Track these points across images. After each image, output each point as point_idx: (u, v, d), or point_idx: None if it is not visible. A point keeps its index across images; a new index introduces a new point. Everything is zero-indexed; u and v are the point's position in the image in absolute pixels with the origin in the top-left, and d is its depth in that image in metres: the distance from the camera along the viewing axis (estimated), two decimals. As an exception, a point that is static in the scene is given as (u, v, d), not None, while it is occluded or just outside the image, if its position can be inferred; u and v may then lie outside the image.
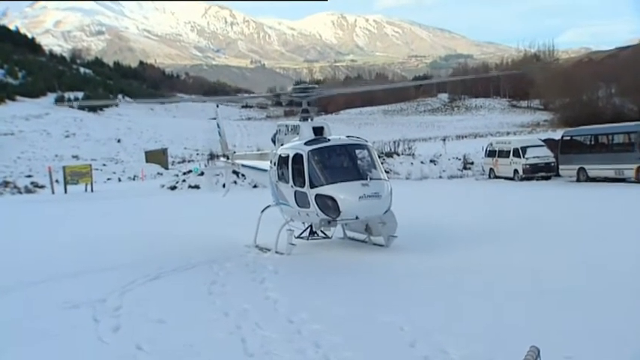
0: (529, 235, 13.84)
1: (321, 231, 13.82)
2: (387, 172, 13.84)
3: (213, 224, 18.42)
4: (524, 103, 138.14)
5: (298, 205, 12.54)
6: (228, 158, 19.05)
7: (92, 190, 35.30)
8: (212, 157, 24.65)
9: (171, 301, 9.23)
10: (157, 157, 66.47)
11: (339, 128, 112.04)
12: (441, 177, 34.67)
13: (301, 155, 12.46)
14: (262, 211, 14.31)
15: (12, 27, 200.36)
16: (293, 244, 13.04)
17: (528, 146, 31.45)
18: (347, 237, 14.62)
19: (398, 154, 38.14)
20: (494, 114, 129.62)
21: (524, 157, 30.57)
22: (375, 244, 13.62)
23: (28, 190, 39.80)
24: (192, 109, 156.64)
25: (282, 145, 13.85)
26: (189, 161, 71.44)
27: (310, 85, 14.95)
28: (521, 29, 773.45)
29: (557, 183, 28.68)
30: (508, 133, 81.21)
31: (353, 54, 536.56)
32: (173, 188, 33.27)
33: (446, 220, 16.83)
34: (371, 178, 12.14)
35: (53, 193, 35.19)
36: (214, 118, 22.60)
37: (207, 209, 23.36)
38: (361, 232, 14.12)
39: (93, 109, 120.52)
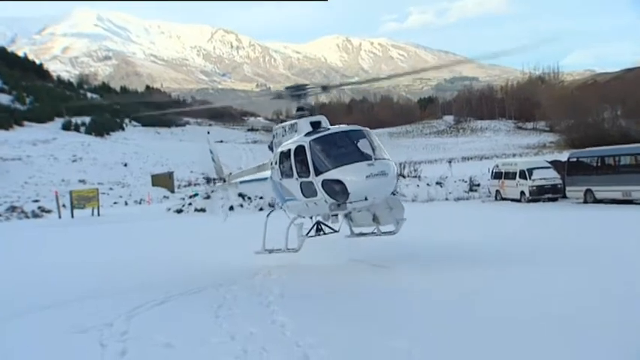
0: (537, 258, 13.75)
1: (328, 226, 13.82)
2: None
3: (219, 247, 18.39)
4: (529, 125, 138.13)
5: (305, 196, 12.57)
6: (224, 181, 19.15)
7: (99, 214, 35.38)
8: (208, 181, 24.68)
9: (177, 325, 9.19)
10: (164, 180, 66.65)
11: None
12: (447, 199, 34.63)
13: (303, 146, 12.59)
14: (267, 215, 14.38)
15: (21, 53, 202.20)
16: (303, 236, 13.05)
17: (535, 168, 31.44)
18: (354, 234, 14.63)
19: (404, 177, 38.12)
20: (500, 136, 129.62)
21: (530, 178, 30.54)
22: (384, 233, 13.65)
23: (35, 215, 39.91)
24: (198, 134, 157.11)
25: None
26: (195, 184, 71.58)
27: (304, 84, 15.00)
28: (525, 52, 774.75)
29: (564, 205, 28.60)
30: (514, 155, 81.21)
31: (358, 77, 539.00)
32: (179, 212, 33.32)
33: (454, 242, 16.74)
34: (375, 159, 12.25)
35: (60, 217, 35.28)
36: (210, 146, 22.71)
37: (213, 232, 23.33)
38: (369, 225, 14.14)
39: (100, 133, 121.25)
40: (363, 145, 13.00)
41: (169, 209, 34.68)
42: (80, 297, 11.49)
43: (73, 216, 34.62)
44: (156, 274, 13.79)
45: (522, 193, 30.90)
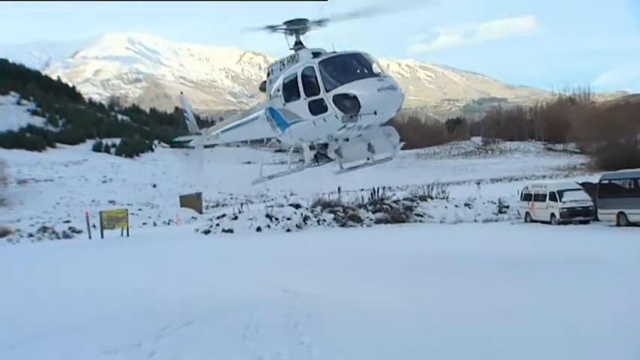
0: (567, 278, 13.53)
1: (325, 155, 14.27)
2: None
3: (246, 267, 18.41)
4: (559, 146, 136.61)
5: (313, 114, 12.96)
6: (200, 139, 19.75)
7: (128, 235, 35.66)
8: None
9: (205, 345, 9.18)
10: (192, 201, 67.14)
11: (373, 172, 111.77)
12: (475, 221, 34.27)
13: (312, 67, 13.29)
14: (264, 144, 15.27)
15: (54, 77, 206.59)
16: (301, 163, 13.56)
17: (565, 190, 30.98)
18: (344, 169, 15.13)
19: (432, 198, 37.86)
20: (529, 157, 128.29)
21: (561, 200, 30.10)
22: (379, 161, 14.08)
23: (66, 235, 40.43)
24: (226, 154, 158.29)
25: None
26: (222, 205, 71.98)
27: (302, 18, 15.22)
28: (555, 72, 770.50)
29: (596, 227, 28.12)
30: (544, 177, 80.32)
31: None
32: (207, 232, 33.44)
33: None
34: (384, 76, 12.79)
35: (90, 237, 35.64)
36: (184, 111, 23.06)
37: (241, 253, 23.42)
38: (360, 157, 14.52)
39: (129, 154, 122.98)
40: (368, 64, 13.51)
41: (197, 230, 34.83)
42: (108, 317, 11.54)
43: (102, 236, 34.95)
44: (183, 295, 13.80)
45: (552, 215, 30.45)
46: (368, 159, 15.03)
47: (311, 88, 13.05)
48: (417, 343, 8.73)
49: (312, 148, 15.11)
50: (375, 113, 12.59)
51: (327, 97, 12.59)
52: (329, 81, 12.78)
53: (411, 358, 8.01)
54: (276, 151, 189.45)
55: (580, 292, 12.18)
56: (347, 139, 14.61)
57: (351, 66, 13.33)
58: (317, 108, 12.91)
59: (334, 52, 13.84)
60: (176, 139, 23.68)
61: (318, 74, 12.90)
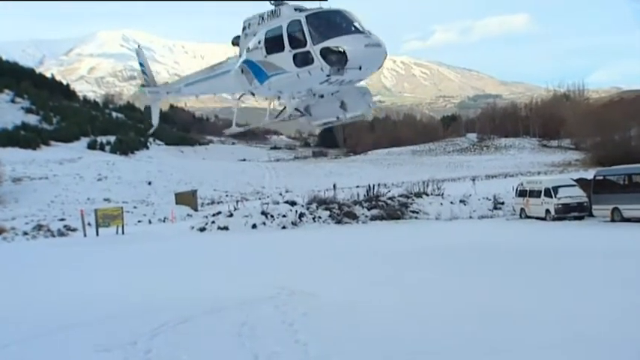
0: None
1: (299, 110, 14.54)
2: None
3: (242, 265, 18.41)
4: (554, 143, 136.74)
5: (298, 66, 13.27)
6: (158, 92, 19.62)
7: (123, 233, 35.57)
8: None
9: (200, 343, 9.18)
10: (187, 199, 66.95)
11: (368, 169, 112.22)
12: (471, 217, 34.32)
13: (298, 20, 13.59)
14: (239, 98, 15.33)
15: (48, 74, 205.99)
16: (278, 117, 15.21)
17: (560, 186, 31.03)
18: (311, 125, 15.35)
19: (427, 195, 37.91)
20: (524, 153, 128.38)
21: (556, 196, 30.15)
22: (352, 118, 14.36)
23: (61, 234, 40.31)
24: (221, 152, 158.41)
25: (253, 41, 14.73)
26: (218, 203, 71.85)
27: None
28: (549, 69, 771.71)
29: (590, 223, 28.20)
30: (539, 173, 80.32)
31: (381, 95, 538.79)
32: (202, 230, 33.40)
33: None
34: (369, 33, 13.25)
35: (85, 235, 35.54)
36: (139, 57, 22.78)
37: (237, 250, 23.40)
38: (331, 114, 14.77)
39: (124, 152, 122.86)
40: (353, 21, 13.82)
41: (193, 227, 34.79)
42: (103, 316, 11.52)
43: (98, 234, 34.86)
44: (179, 293, 13.79)
45: (547, 211, 30.51)
46: (338, 117, 15.23)
47: (297, 40, 13.40)
48: (414, 342, 8.74)
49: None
50: (360, 68, 13.08)
51: (314, 50, 12.97)
52: (316, 34, 13.17)
53: (409, 357, 8.00)
54: (272, 148, 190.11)
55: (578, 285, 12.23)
56: (322, 96, 14.91)
57: (338, 21, 13.64)
58: (302, 60, 13.26)
59: (319, 7, 14.05)
60: (142, 90, 23.22)
61: (305, 27, 13.27)
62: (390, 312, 10.83)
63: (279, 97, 15.83)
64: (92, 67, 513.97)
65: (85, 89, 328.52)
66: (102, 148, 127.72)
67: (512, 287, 12.60)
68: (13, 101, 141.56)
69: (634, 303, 10.44)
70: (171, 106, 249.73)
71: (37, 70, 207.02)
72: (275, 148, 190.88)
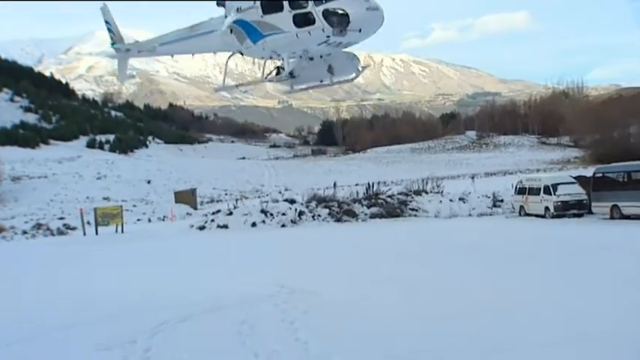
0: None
1: (291, 73, 14.62)
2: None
3: (242, 263, 18.41)
4: (553, 140, 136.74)
5: (298, 26, 13.41)
6: (128, 50, 19.32)
7: (122, 231, 35.54)
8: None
9: (200, 342, 9.18)
10: (186, 197, 66.97)
11: (367, 167, 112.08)
12: (470, 215, 34.31)
13: None
14: (228, 58, 15.35)
15: (47, 73, 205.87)
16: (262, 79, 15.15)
17: (559, 183, 31.03)
18: (294, 90, 15.39)
19: (426, 192, 37.89)
20: (523, 151, 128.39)
21: (555, 194, 30.15)
22: (340, 82, 14.52)
23: (60, 232, 40.28)
24: (220, 150, 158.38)
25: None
26: (217, 201, 71.84)
27: None
28: (549, 66, 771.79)
29: (590, 220, 28.22)
30: (538, 170, 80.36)
31: (380, 93, 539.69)
32: (202, 228, 33.38)
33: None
34: None
35: (85, 234, 35.51)
36: (107, 21, 22.11)
37: (236, 249, 23.39)
38: (316, 78, 14.89)
39: (123, 150, 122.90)
40: None
41: (192, 226, 34.76)
42: (103, 315, 11.52)
43: (97, 233, 34.83)
44: (179, 291, 13.79)
45: (547, 208, 30.52)
46: (321, 80, 15.35)
47: (297, 1, 13.48)
48: (416, 341, 8.74)
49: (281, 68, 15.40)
50: (360, 31, 13.21)
51: (317, 11, 13.14)
52: None
53: (410, 355, 8.01)
54: (271, 146, 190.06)
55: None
56: (311, 59, 14.96)
57: None
58: (303, 21, 13.41)
59: None
60: (114, 46, 22.62)
61: None
62: (391, 310, 10.83)
63: (271, 57, 15.74)
64: (91, 65, 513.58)
65: (83, 88, 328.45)
66: (101, 146, 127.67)
67: (514, 285, 12.61)
68: (12, 100, 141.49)
69: (634, 301, 10.44)
70: (170, 105, 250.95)
71: (36, 69, 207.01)
72: (274, 146, 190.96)
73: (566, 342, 8.21)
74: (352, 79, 15.20)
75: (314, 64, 15.05)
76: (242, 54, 16.51)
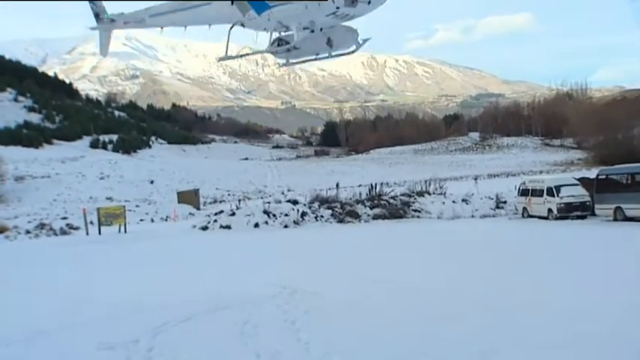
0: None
1: (287, 41, 14.57)
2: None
3: (244, 264, 18.42)
4: (557, 142, 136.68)
5: None
6: (113, 21, 18.46)
7: (125, 231, 35.61)
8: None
9: (203, 342, 9.20)
10: (189, 197, 67.04)
11: (370, 168, 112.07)
12: (473, 216, 34.27)
13: None
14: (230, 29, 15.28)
15: (51, 73, 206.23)
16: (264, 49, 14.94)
17: (562, 185, 30.96)
18: (291, 63, 15.29)
19: (429, 194, 37.84)
20: (527, 152, 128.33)
21: (558, 196, 30.09)
22: (340, 55, 14.47)
23: (63, 232, 40.31)
24: (223, 151, 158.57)
25: None
26: (220, 202, 71.91)
27: None
28: (552, 68, 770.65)
29: (593, 222, 28.16)
30: (541, 172, 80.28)
31: (383, 94, 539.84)
32: (205, 228, 33.40)
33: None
34: None
35: (88, 234, 35.59)
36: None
37: (239, 249, 23.40)
38: (314, 52, 14.81)
39: (127, 151, 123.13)
40: None
41: (195, 226, 34.79)
42: (106, 314, 11.55)
43: (100, 233, 34.90)
44: (181, 291, 13.81)
45: (550, 210, 30.47)
46: (317, 54, 15.24)
47: None
48: (418, 342, 8.75)
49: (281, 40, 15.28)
50: (369, 3, 13.10)
51: None
52: None
53: (410, 356, 8.01)
54: (274, 147, 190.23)
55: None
56: (312, 31, 14.81)
57: None
58: None
59: None
60: (96, 17, 21.11)
61: None
62: (392, 310, 10.84)
63: (275, 30, 15.50)
64: (94, 65, 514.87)
65: (87, 88, 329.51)
66: (104, 146, 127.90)
67: (515, 285, 12.59)
68: (15, 100, 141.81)
69: (634, 303, 10.42)
70: (174, 105, 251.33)
71: (40, 69, 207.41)
72: (277, 147, 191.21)
73: (564, 344, 8.20)
74: (352, 52, 14.96)
75: (313, 37, 14.85)
76: (243, 26, 16.06)
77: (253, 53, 14.86)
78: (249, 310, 11.21)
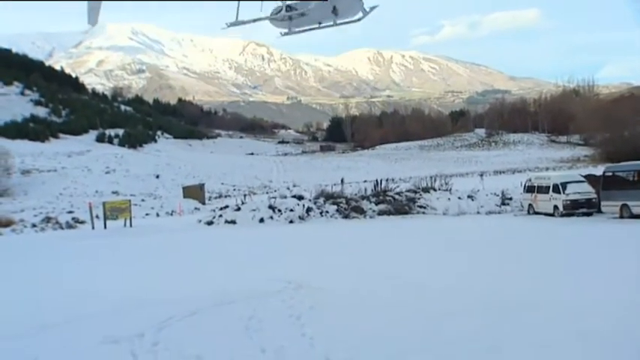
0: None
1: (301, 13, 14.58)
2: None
3: (249, 259, 18.43)
4: (563, 138, 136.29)
5: None
6: None
7: (131, 226, 35.69)
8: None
9: (208, 336, 9.21)
10: (195, 192, 67.08)
11: (376, 164, 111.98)
12: (478, 212, 34.23)
13: None
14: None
15: (58, 67, 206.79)
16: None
17: (569, 182, 30.86)
18: (293, 32, 15.16)
19: (435, 190, 37.78)
20: (533, 149, 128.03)
21: (564, 192, 30.00)
22: (345, 23, 14.43)
23: (69, 226, 40.46)
24: (229, 145, 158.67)
25: None
26: (225, 196, 71.93)
27: None
28: (559, 64, 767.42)
29: (599, 219, 28.08)
30: (547, 169, 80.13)
31: (389, 89, 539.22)
32: (210, 223, 33.47)
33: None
34: None
35: (93, 228, 35.65)
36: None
37: (244, 244, 23.43)
38: (318, 21, 14.71)
39: (133, 145, 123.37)
40: None
41: (200, 221, 34.87)
42: (111, 308, 11.58)
43: (105, 227, 34.96)
44: (187, 286, 13.84)
45: (556, 207, 30.39)
46: (320, 23, 15.06)
47: None
48: (420, 338, 8.75)
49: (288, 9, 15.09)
50: None
51: None
52: None
53: (414, 352, 8.01)
54: (280, 142, 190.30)
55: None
56: None
57: None
58: None
59: None
60: None
61: None
62: (397, 306, 10.83)
63: None
64: (101, 60, 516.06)
65: (93, 82, 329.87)
66: (110, 141, 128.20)
67: (519, 282, 12.57)
68: (22, 93, 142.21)
69: (635, 301, 10.39)
70: (180, 100, 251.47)
71: (47, 63, 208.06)
72: (283, 142, 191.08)
73: (566, 341, 8.18)
74: (358, 20, 14.73)
75: (318, 5, 14.65)
76: None
77: (259, 20, 14.51)
78: (254, 305, 11.21)
